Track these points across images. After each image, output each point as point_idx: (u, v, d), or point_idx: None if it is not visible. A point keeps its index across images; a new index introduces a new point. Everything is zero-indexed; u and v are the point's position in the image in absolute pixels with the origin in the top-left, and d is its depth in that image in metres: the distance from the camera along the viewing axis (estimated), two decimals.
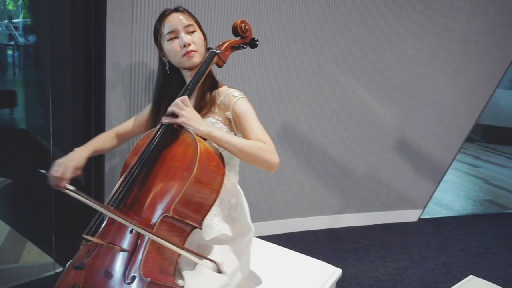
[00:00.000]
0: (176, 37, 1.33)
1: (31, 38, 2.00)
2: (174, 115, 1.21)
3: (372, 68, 2.68)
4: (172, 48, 1.34)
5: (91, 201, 1.07)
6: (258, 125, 1.32)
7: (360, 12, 2.51)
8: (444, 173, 3.26)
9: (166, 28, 1.35)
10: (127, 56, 1.85)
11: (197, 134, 1.21)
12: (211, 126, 1.26)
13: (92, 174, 1.85)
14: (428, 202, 3.30)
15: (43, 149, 1.97)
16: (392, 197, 3.13)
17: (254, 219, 1.47)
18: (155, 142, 1.21)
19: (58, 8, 1.81)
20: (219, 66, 1.38)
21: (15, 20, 1.91)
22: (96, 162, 1.85)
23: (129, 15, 1.80)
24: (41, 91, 2.01)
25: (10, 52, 2.10)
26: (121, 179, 1.23)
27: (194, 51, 1.33)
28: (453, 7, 2.76)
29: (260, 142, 1.26)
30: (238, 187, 1.45)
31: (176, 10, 1.38)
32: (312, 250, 2.64)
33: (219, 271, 1.08)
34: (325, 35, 2.45)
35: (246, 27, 1.42)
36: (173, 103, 1.22)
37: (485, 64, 3.00)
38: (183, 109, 1.20)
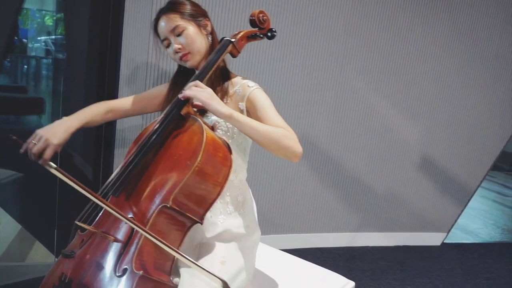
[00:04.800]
0: (170, 43, 1.31)
1: (64, 53, 2.05)
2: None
3: (396, 82, 2.59)
4: (169, 54, 1.34)
5: (77, 183, 0.97)
6: (276, 114, 1.25)
7: (385, 25, 2.45)
8: (471, 196, 3.09)
9: (160, 37, 1.33)
10: (143, 53, 1.83)
11: (204, 123, 1.15)
12: (232, 109, 1.19)
13: (100, 166, 1.80)
14: (452, 225, 3.12)
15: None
16: (413, 218, 2.96)
17: (264, 232, 1.39)
18: (159, 130, 1.15)
19: (76, 5, 1.82)
20: (233, 56, 1.33)
21: (53, 37, 1.96)
22: (105, 152, 1.80)
23: (148, 11, 1.79)
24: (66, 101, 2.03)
25: (45, 64, 2.16)
26: (120, 166, 1.17)
27: (187, 54, 1.30)
28: (484, 23, 2.67)
29: (282, 129, 1.19)
30: (246, 184, 1.38)
31: (163, 12, 1.31)
32: (326, 267, 2.49)
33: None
34: (348, 46, 2.39)
35: (264, 17, 1.37)
36: (189, 85, 1.17)
37: None
38: (204, 90, 1.15)
